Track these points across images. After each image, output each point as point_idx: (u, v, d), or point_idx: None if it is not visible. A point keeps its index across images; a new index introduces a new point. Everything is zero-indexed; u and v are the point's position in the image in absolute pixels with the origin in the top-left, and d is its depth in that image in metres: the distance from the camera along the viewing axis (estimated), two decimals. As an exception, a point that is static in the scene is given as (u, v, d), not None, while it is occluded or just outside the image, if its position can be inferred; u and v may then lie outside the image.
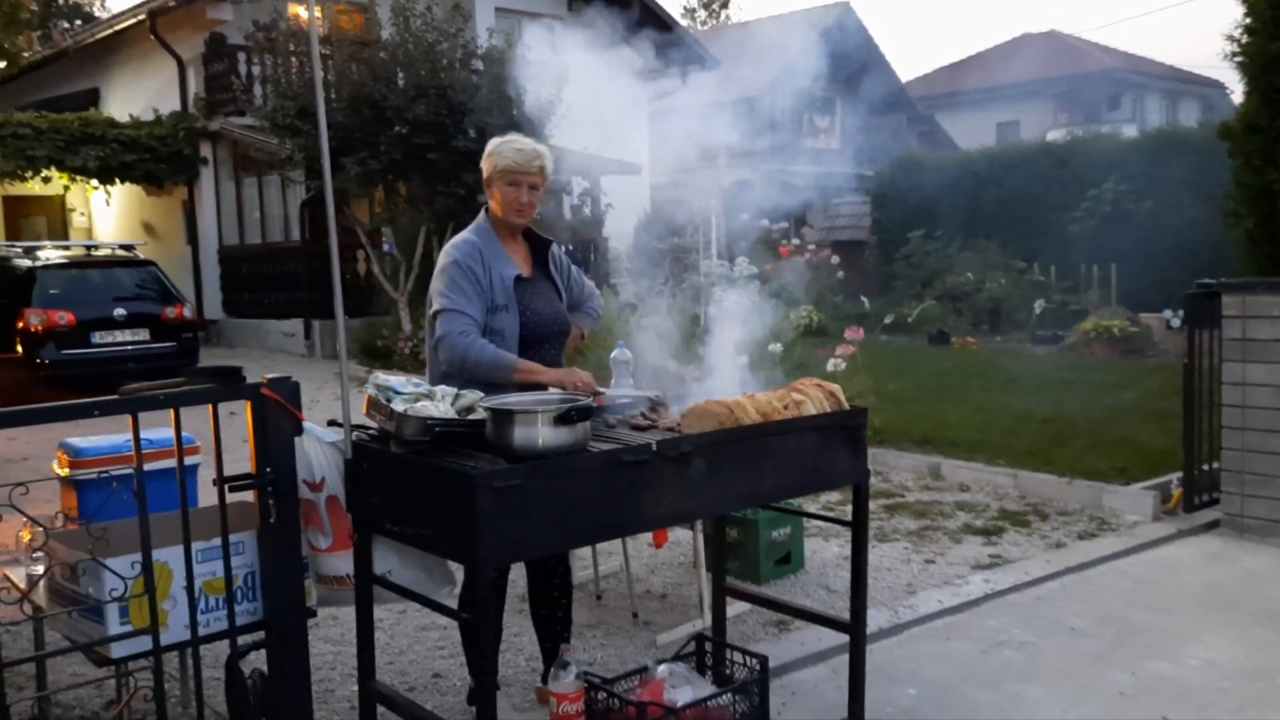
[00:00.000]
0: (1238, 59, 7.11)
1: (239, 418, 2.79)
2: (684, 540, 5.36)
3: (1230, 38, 7.16)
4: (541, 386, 3.19)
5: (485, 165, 3.44)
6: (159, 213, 18.21)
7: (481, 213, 3.52)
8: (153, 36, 16.60)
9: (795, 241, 14.77)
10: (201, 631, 2.72)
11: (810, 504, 5.87)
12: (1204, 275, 6.41)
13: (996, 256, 15.41)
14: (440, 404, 2.82)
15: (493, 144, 3.45)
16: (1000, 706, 3.65)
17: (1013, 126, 29.19)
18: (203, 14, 16.12)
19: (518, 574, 4.27)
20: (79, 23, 28.34)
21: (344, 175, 12.13)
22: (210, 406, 2.70)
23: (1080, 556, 5.23)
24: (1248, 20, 7.00)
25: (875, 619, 4.29)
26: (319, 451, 2.93)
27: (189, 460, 3.00)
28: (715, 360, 3.54)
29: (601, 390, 3.27)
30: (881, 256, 17.28)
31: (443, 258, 3.40)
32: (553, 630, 3.66)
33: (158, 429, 3.28)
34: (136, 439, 2.60)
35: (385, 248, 13.84)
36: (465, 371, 3.23)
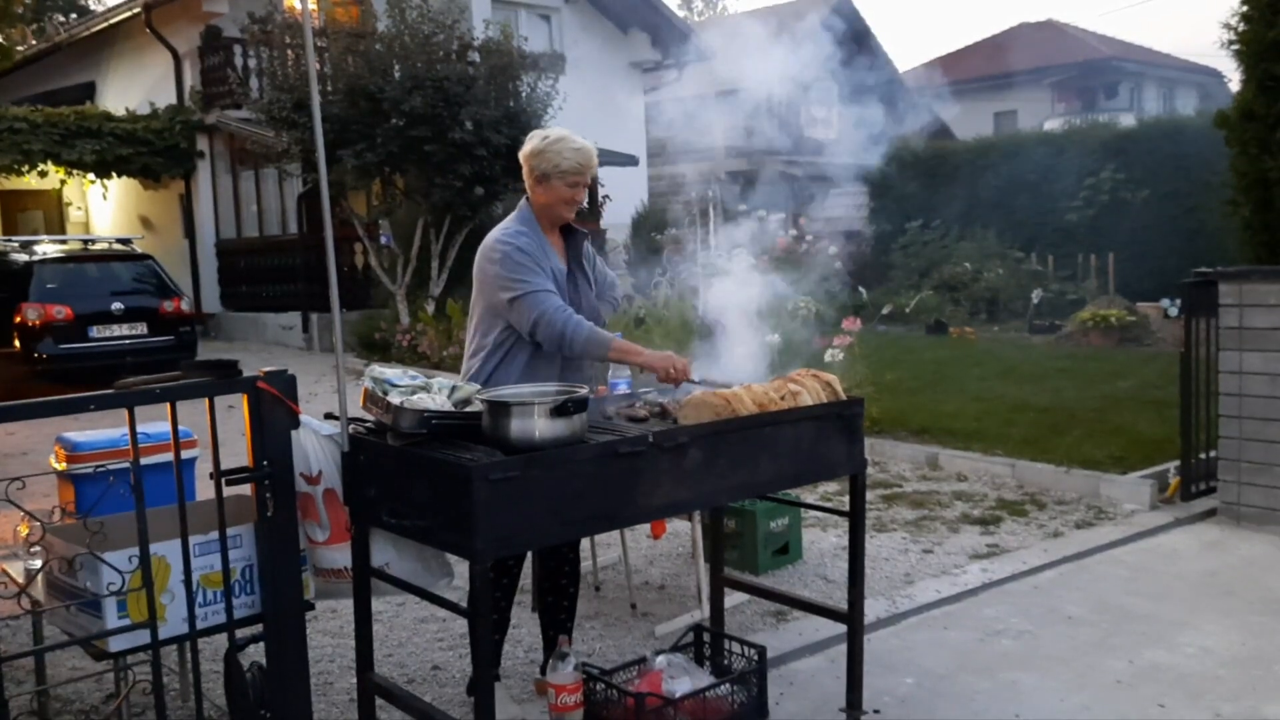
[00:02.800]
0: (1234, 47, 7.10)
1: (236, 411, 2.79)
2: (682, 531, 5.37)
3: (1227, 26, 7.15)
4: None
5: (537, 161, 3.36)
6: (156, 206, 18.19)
7: (523, 204, 3.46)
8: (148, 30, 16.57)
9: (792, 232, 14.75)
10: (200, 625, 2.73)
11: (808, 494, 5.88)
12: (1201, 264, 6.41)
13: (994, 246, 15.40)
14: (437, 396, 2.82)
15: (544, 142, 3.37)
16: (998, 695, 3.66)
17: (1010, 116, 29.13)
18: (198, 6, 16.08)
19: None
20: (74, 16, 28.23)
21: (340, 168, 12.12)
22: (207, 400, 2.70)
23: (1077, 545, 5.24)
24: (1244, 8, 6.99)
25: (873, 609, 4.29)
26: (316, 445, 2.93)
27: (186, 454, 3.00)
28: (712, 351, 3.55)
29: (697, 378, 3.27)
30: (878, 246, 17.26)
31: (500, 247, 3.31)
32: (556, 619, 3.67)
33: (155, 423, 3.29)
34: (133, 433, 2.60)
35: (383, 240, 13.84)
36: (562, 348, 3.24)
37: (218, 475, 2.68)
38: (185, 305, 11.78)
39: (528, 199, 3.46)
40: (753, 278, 3.72)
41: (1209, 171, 11.68)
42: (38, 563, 2.92)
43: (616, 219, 17.06)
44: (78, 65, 19.14)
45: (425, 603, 3.41)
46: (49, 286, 10.82)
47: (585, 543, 4.84)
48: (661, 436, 2.77)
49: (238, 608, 2.78)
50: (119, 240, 12.49)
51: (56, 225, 19.40)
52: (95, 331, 10.89)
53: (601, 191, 16.89)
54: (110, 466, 3.32)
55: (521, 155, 3.43)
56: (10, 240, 11.94)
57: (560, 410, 2.61)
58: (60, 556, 2.75)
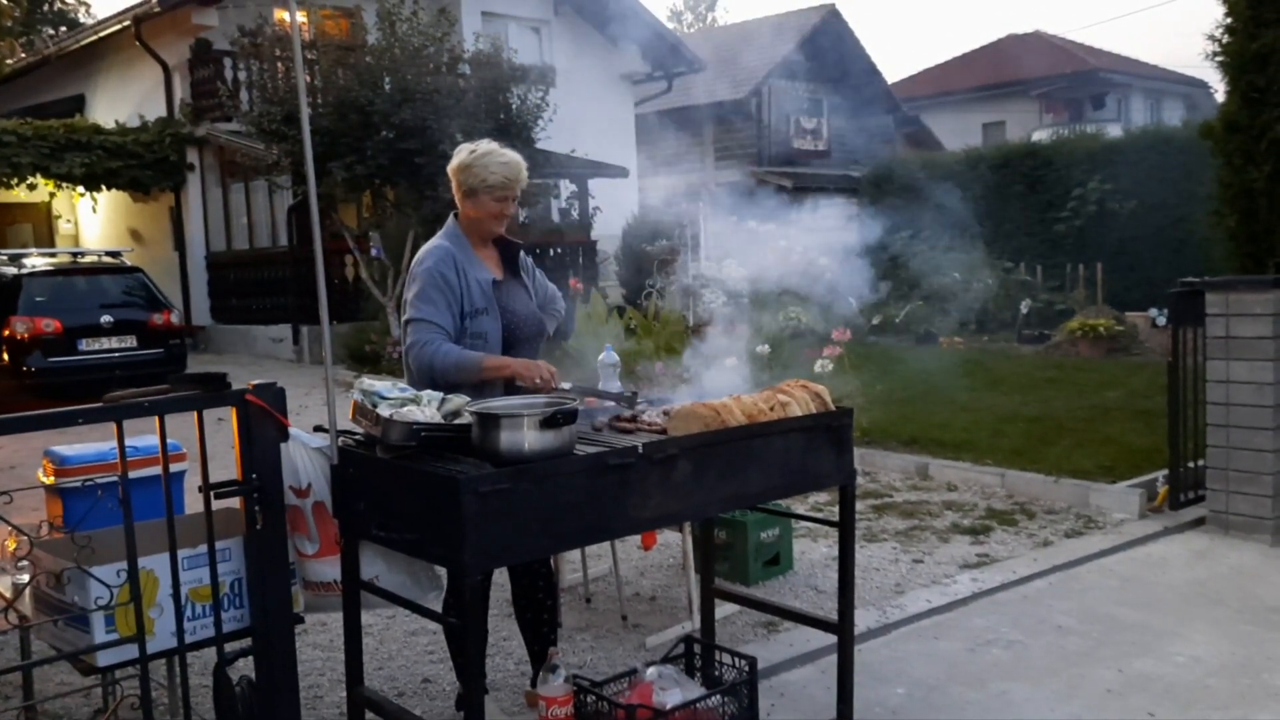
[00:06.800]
0: (1219, 58, 7.13)
1: (226, 424, 2.79)
2: (673, 543, 5.36)
3: (1211, 37, 7.18)
4: (510, 380, 3.22)
5: (464, 176, 3.37)
6: (146, 219, 18.14)
7: (451, 218, 3.49)
8: (138, 43, 16.55)
9: (781, 243, 14.78)
10: (188, 639, 2.72)
11: (799, 505, 5.88)
12: (1188, 274, 6.44)
13: (983, 257, 15.46)
14: (426, 408, 2.82)
15: (470, 156, 3.38)
16: (988, 705, 3.67)
17: (998, 127, 29.29)
18: (188, 19, 16.06)
19: (504, 577, 4.27)
20: (63, 29, 28.20)
21: (330, 180, 12.11)
22: (196, 413, 2.69)
23: (1067, 555, 5.26)
24: (1228, 20, 7.03)
25: (864, 619, 4.30)
26: (305, 457, 2.93)
27: (175, 467, 2.99)
28: (702, 362, 3.55)
29: (566, 384, 3.28)
30: (868, 257, 17.32)
31: (415, 264, 3.39)
32: (539, 633, 3.66)
33: (143, 436, 3.28)
34: (121, 446, 2.60)
35: (373, 252, 13.82)
36: (435, 378, 3.26)
37: (206, 488, 2.68)
38: (175, 318, 11.75)
39: (455, 214, 3.47)
40: (742, 288, 3.74)
41: (1195, 182, 11.74)
42: (25, 577, 2.91)
43: (607, 230, 17.06)
44: (67, 78, 19.10)
45: (415, 616, 3.41)
46: (38, 300, 10.79)
47: (576, 554, 4.84)
48: (651, 448, 2.77)
49: (226, 621, 2.77)
50: (108, 253, 12.46)
51: (45, 238, 19.34)
52: (84, 345, 10.84)
53: (592, 203, 16.91)
54: (98, 480, 3.32)
55: (450, 169, 3.43)
56: (-1, 253, 11.90)
57: (550, 422, 2.61)
58: (48, 571, 2.74)
